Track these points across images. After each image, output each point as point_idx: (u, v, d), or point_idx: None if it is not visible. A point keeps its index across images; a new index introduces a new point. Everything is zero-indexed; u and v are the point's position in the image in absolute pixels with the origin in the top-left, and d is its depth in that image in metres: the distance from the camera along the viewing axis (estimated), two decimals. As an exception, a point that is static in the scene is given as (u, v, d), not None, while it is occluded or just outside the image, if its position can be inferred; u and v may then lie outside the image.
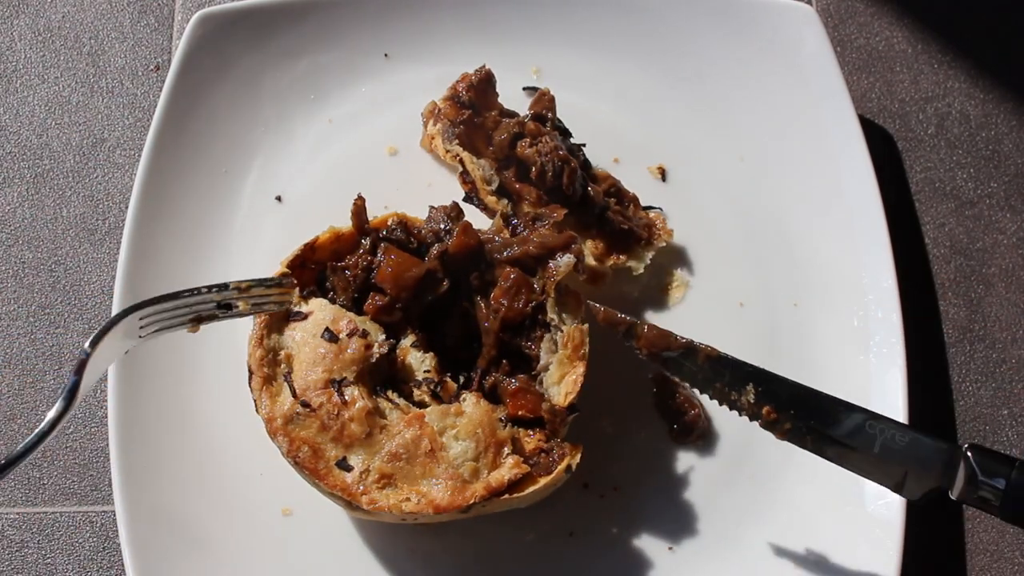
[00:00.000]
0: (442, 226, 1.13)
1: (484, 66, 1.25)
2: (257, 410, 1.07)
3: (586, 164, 1.27)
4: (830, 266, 1.25)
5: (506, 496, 1.05)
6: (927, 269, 1.33)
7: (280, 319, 1.11)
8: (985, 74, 1.41)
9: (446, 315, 1.14)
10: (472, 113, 1.22)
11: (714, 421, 1.21)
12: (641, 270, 1.23)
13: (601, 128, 1.32)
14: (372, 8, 1.34)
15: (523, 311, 1.10)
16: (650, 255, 1.23)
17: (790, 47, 1.30)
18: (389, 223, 1.15)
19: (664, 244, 1.25)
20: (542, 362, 1.10)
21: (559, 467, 1.06)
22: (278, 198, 1.31)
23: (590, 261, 1.20)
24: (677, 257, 1.28)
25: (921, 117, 1.39)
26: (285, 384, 1.08)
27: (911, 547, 1.12)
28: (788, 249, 1.27)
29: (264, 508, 1.18)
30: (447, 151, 1.21)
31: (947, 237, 1.34)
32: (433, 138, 1.25)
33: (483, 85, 1.24)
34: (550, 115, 1.26)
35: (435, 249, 1.12)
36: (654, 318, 1.25)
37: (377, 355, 1.08)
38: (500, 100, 1.27)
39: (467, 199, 1.20)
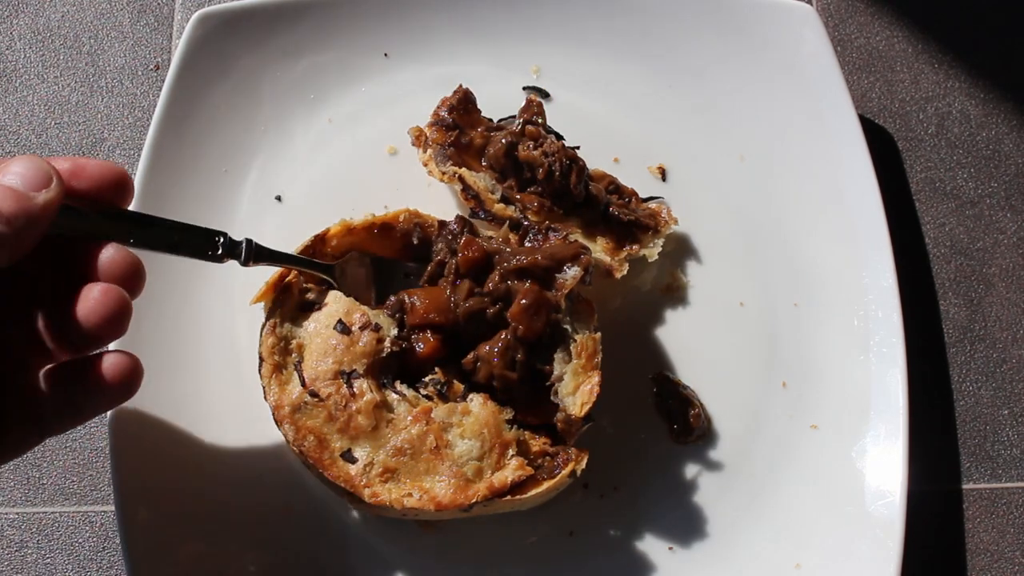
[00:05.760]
0: (453, 247, 1.13)
1: (460, 85, 1.24)
2: (265, 397, 1.07)
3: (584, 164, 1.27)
4: (830, 266, 1.25)
5: (508, 497, 1.05)
6: (927, 269, 1.33)
7: (295, 309, 1.11)
8: (985, 74, 1.41)
9: None
10: (459, 133, 1.22)
11: (714, 421, 1.21)
12: (656, 256, 1.23)
13: (601, 127, 1.32)
14: (372, 8, 1.34)
15: (541, 330, 1.09)
16: (661, 241, 1.24)
17: (790, 47, 1.31)
18: (401, 219, 1.15)
19: (672, 230, 1.25)
20: (556, 372, 1.08)
21: (563, 471, 1.06)
22: (278, 198, 1.31)
23: (604, 259, 1.20)
24: (677, 257, 1.28)
25: (921, 117, 1.39)
26: (295, 373, 1.08)
27: (911, 547, 1.12)
28: (788, 249, 1.27)
29: (264, 508, 1.18)
30: (443, 173, 1.20)
31: (947, 237, 1.34)
32: (427, 164, 1.25)
33: (463, 104, 1.24)
34: (540, 120, 1.25)
35: (459, 284, 1.11)
36: (656, 317, 1.25)
37: (388, 349, 1.08)
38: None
39: (473, 215, 1.19)
